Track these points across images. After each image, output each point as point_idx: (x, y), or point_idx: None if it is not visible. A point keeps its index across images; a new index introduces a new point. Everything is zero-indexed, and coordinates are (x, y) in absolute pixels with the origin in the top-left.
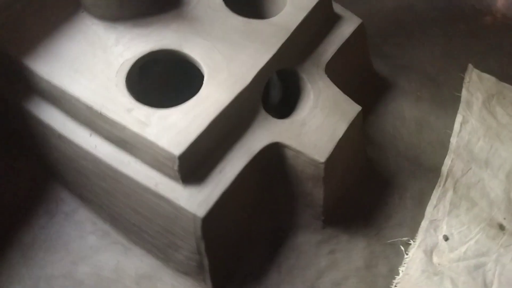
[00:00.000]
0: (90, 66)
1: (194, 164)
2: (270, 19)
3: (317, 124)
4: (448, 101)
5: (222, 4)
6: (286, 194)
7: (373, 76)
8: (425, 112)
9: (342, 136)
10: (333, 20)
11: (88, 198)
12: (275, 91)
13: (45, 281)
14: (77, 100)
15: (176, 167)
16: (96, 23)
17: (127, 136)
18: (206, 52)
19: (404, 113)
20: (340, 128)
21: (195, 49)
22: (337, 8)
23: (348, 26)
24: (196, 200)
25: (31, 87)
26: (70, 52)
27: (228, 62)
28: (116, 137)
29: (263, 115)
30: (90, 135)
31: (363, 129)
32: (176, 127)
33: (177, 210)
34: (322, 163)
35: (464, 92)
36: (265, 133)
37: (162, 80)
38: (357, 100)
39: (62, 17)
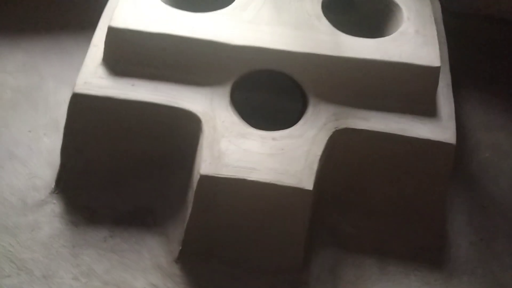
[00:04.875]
0: None
1: (122, 55)
2: (347, 36)
3: (250, 149)
4: None
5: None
6: (175, 185)
7: (431, 234)
8: None
9: (257, 184)
10: (422, 111)
11: None
12: None
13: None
14: None
15: (104, 37)
16: None
17: None
18: None
19: None
20: (258, 177)
21: None
22: (444, 107)
23: (428, 130)
24: (90, 78)
25: None
26: None
27: (253, 18)
28: None
29: (224, 91)
30: None
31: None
32: (143, 14)
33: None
34: (201, 174)
35: None
36: (206, 102)
37: None
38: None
39: None
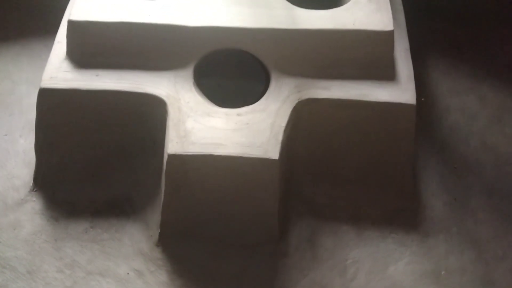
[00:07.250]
0: None
1: (84, 48)
2: (302, 9)
3: (215, 126)
4: None
5: None
6: (150, 171)
7: (404, 197)
8: None
9: (224, 158)
10: (381, 76)
11: None
12: None
13: None
14: None
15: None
16: None
17: None
18: None
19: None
20: (225, 152)
21: None
22: (403, 71)
23: (387, 94)
24: (55, 73)
25: None
26: None
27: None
28: None
29: (187, 73)
30: None
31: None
32: (100, 6)
33: None
34: (168, 154)
35: None
36: (169, 86)
37: None
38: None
39: None
